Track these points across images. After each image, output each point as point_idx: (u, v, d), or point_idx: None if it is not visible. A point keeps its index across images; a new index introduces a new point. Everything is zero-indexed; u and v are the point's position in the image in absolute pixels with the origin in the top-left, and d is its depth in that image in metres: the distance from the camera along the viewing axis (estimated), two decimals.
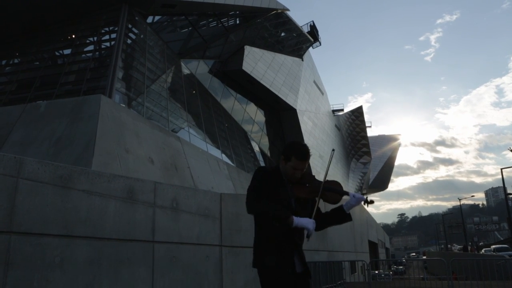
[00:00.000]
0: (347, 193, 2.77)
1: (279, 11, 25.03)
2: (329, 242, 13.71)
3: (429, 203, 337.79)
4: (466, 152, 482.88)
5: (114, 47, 14.06)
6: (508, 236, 45.55)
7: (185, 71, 19.75)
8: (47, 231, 3.95)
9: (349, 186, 50.07)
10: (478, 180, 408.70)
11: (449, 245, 59.95)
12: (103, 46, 15.44)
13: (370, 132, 64.20)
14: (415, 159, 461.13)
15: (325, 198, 2.78)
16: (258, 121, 27.06)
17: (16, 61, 17.24)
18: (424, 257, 49.17)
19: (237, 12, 22.29)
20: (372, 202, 2.75)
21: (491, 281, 10.39)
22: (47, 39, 16.30)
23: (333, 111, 47.07)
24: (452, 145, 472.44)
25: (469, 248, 41.72)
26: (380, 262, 34.29)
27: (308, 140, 30.34)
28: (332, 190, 2.77)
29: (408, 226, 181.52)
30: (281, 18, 26.13)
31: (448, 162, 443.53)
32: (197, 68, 21.09)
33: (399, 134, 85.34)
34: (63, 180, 4.17)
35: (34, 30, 16.69)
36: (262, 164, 24.83)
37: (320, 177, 2.81)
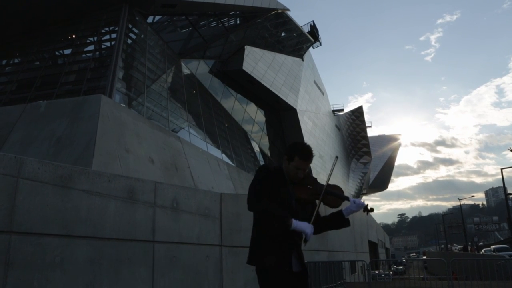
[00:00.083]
0: (348, 199, 2.78)
1: (280, 11, 25.04)
2: (329, 242, 13.70)
3: (429, 203, 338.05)
4: (466, 152, 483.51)
5: (114, 47, 14.07)
6: (508, 236, 45.52)
7: (185, 71, 19.74)
8: (47, 231, 3.95)
9: (349, 186, 50.07)
10: (478, 180, 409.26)
11: (449, 245, 59.95)
12: (103, 46, 15.45)
13: (370, 132, 64.29)
14: (415, 159, 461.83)
15: (326, 202, 2.79)
16: (258, 121, 27.06)
17: (16, 61, 17.24)
18: (424, 257, 49.15)
19: (238, 12, 22.30)
20: (372, 210, 2.75)
21: (491, 281, 10.37)
22: (47, 39, 16.30)
23: (333, 111, 47.11)
24: (452, 145, 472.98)
25: (469, 248, 41.73)
26: (380, 262, 34.23)
27: (308, 140, 30.32)
28: (334, 194, 2.78)
29: (408, 226, 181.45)
30: (282, 18, 26.13)
31: (448, 162, 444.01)
32: (197, 68, 21.09)
33: (399, 134, 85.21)
34: (63, 180, 4.18)
35: (34, 30, 16.70)
36: (262, 164, 24.82)
37: (319, 177, 2.82)
